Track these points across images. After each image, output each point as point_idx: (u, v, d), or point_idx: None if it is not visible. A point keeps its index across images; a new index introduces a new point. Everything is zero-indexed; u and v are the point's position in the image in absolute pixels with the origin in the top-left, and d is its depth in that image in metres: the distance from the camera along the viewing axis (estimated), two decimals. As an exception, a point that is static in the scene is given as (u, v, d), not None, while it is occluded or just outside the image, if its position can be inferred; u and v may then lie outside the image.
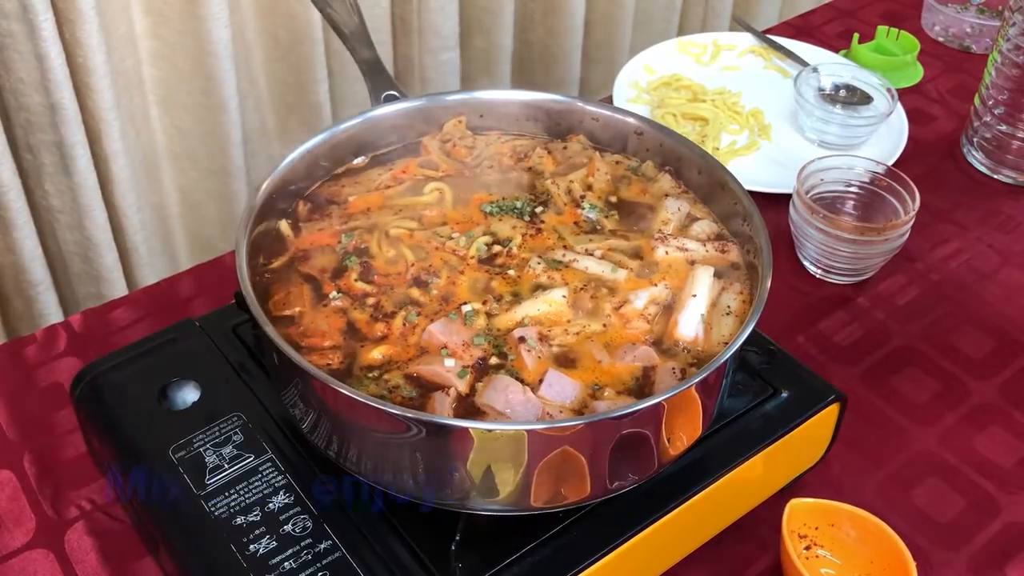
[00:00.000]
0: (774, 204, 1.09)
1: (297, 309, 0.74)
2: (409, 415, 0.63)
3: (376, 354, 0.71)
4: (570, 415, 0.68)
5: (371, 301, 0.75)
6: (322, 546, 0.69)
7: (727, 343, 0.71)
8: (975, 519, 0.85)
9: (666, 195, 0.85)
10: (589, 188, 0.86)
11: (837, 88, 1.28)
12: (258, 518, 0.70)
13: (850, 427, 0.85)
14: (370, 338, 0.73)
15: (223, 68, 1.40)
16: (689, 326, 0.74)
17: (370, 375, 0.70)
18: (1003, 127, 1.20)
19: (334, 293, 0.75)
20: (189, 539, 0.70)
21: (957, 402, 0.95)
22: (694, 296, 0.75)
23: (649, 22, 2.24)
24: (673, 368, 0.71)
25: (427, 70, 1.88)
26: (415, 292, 0.76)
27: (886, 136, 1.25)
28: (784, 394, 0.81)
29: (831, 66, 1.31)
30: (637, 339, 0.73)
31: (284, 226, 0.81)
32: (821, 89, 1.27)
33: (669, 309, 0.76)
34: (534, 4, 2.01)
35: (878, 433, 0.92)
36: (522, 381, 0.69)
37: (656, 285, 0.77)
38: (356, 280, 0.77)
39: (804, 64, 1.33)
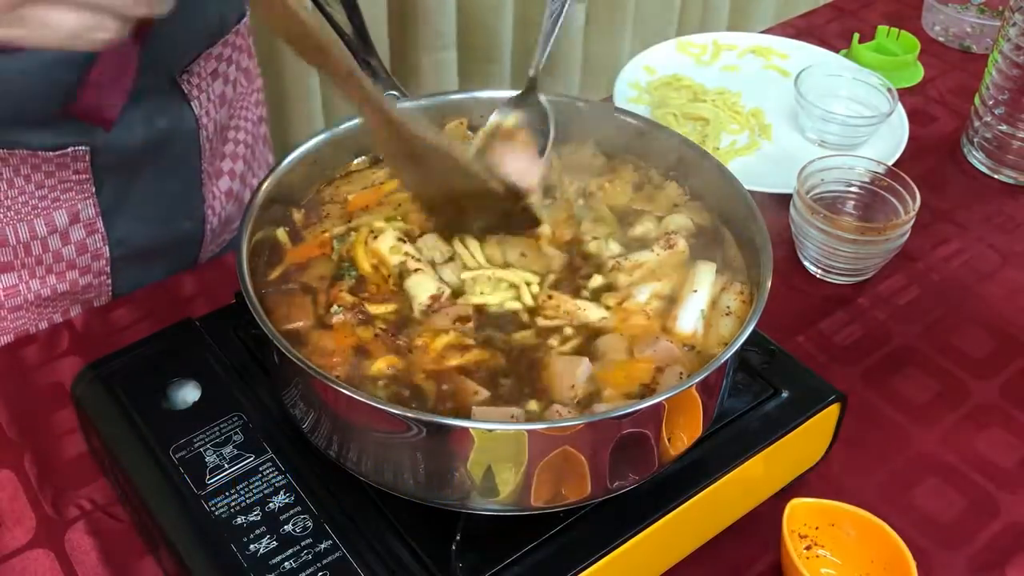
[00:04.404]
0: (774, 204, 1.08)
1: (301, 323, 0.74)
2: (409, 415, 0.63)
3: (382, 365, 0.70)
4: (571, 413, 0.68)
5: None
6: (322, 546, 0.69)
7: (727, 343, 0.70)
8: (975, 519, 0.85)
9: (668, 199, 0.85)
10: (591, 191, 0.86)
11: (837, 88, 1.28)
12: (258, 518, 0.70)
13: (850, 427, 0.85)
14: (375, 354, 0.71)
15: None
16: (688, 321, 0.74)
17: (378, 383, 0.69)
18: (1003, 127, 1.20)
19: (335, 308, 0.74)
20: (189, 539, 0.70)
21: (957, 402, 0.95)
22: (695, 292, 0.75)
23: (648, 22, 2.25)
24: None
25: (424, 68, 1.88)
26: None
27: (886, 136, 1.25)
28: (784, 394, 0.81)
29: (831, 66, 1.30)
30: (638, 337, 0.73)
31: (281, 233, 0.80)
32: (821, 89, 1.27)
33: (671, 305, 0.76)
34: (533, 3, 2.01)
35: (878, 433, 0.92)
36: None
37: (660, 281, 0.77)
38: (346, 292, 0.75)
39: (804, 64, 1.33)
